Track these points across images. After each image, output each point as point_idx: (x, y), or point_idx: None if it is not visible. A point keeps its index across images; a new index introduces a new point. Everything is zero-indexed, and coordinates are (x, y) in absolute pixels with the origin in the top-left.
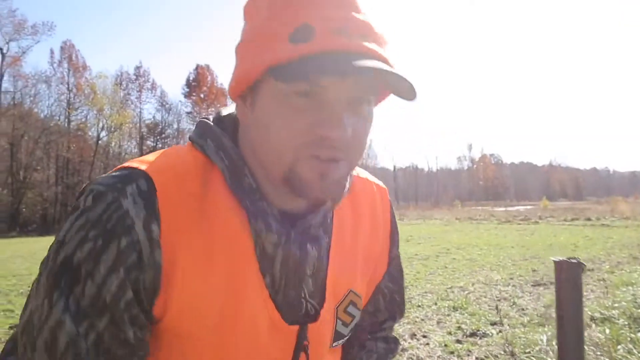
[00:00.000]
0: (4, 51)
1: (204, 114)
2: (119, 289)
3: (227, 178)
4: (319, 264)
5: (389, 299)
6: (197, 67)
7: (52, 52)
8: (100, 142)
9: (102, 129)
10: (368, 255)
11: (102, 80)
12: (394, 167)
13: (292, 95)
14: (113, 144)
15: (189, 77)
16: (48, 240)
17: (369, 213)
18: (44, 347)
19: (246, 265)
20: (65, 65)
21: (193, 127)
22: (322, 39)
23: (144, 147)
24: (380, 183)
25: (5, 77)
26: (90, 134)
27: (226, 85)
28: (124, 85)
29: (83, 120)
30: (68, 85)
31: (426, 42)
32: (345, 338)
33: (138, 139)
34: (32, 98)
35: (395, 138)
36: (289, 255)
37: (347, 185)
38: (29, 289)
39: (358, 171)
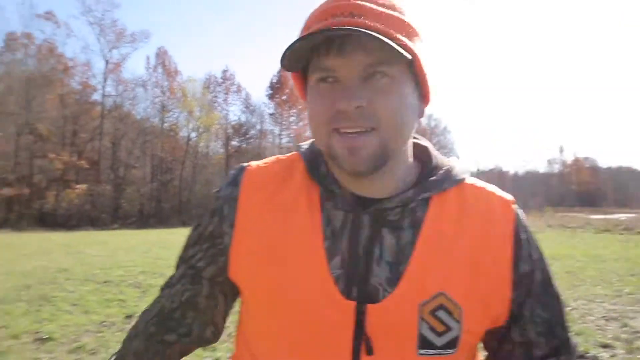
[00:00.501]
0: (107, 58)
1: (285, 115)
2: (210, 231)
3: (307, 166)
4: (399, 252)
5: (543, 330)
6: (280, 69)
7: (147, 58)
8: (190, 142)
9: (192, 130)
10: (474, 266)
11: (192, 84)
12: (477, 169)
13: (316, 84)
14: (202, 144)
15: (272, 79)
16: (145, 233)
17: (480, 222)
18: None
19: (309, 239)
20: (160, 70)
21: (275, 128)
22: (308, 27)
23: (229, 147)
24: (505, 195)
25: (108, 82)
26: (181, 134)
27: None
28: (212, 88)
29: (175, 121)
30: (162, 88)
31: (511, 38)
32: (443, 352)
33: (224, 140)
34: (130, 101)
35: (478, 139)
36: (357, 235)
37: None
38: (137, 280)
39: (476, 181)
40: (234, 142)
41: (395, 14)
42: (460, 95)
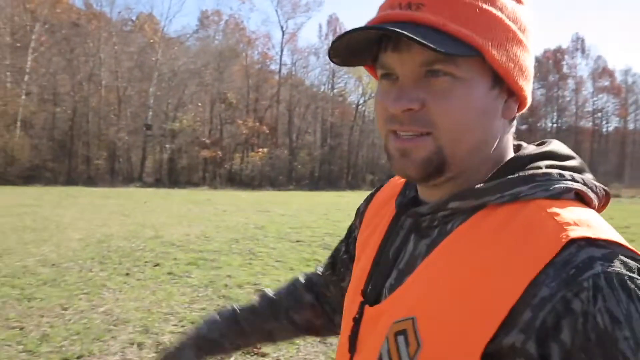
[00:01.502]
0: (284, 29)
1: None
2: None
3: None
4: (411, 262)
5: None
6: None
7: (320, 26)
8: (358, 107)
9: (361, 95)
10: (467, 303)
11: None
12: None
13: (380, 80)
14: (370, 109)
15: None
16: (318, 195)
17: (505, 253)
18: None
19: (374, 238)
20: (331, 37)
21: None
22: (369, 22)
23: None
24: (576, 232)
25: (285, 52)
26: (350, 99)
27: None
28: None
29: (344, 87)
30: None
31: None
32: None
33: None
34: (303, 69)
35: None
36: (395, 237)
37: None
38: (324, 242)
39: (556, 207)
40: None
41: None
42: None
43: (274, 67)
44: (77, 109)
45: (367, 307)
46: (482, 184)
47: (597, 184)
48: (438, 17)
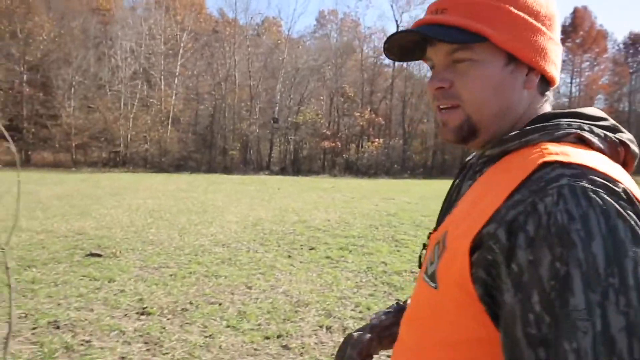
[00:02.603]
0: (398, 22)
1: (577, 61)
2: None
3: None
4: (460, 198)
5: (509, 344)
6: (575, 10)
7: None
8: None
9: None
10: (471, 215)
11: None
12: None
13: (429, 71)
14: None
15: (564, 21)
16: (434, 183)
17: (500, 177)
18: None
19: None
20: None
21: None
22: (412, 24)
23: None
24: (552, 157)
25: None
26: None
27: (607, 27)
28: None
29: None
30: None
31: None
32: (430, 282)
33: None
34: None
35: None
36: (455, 183)
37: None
38: None
39: (556, 145)
40: None
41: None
42: None
43: (388, 60)
44: (216, 106)
45: (431, 234)
46: (508, 136)
47: (610, 134)
48: (455, 18)
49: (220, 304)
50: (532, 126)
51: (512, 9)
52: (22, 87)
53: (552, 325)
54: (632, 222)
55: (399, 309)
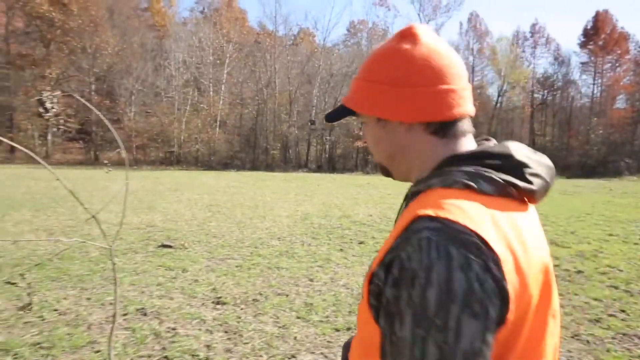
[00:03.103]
0: None
1: (599, 62)
2: None
3: None
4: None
5: (380, 347)
6: (597, 13)
7: (460, 24)
8: (499, 98)
9: (500, 86)
10: (380, 252)
11: (501, 42)
12: None
13: None
14: (514, 99)
15: (586, 25)
16: None
17: (398, 221)
18: None
19: None
20: (471, 34)
21: (587, 77)
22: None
23: (534, 100)
24: (425, 211)
25: None
26: (489, 91)
27: (629, 29)
28: (520, 44)
29: (482, 80)
30: (472, 50)
31: None
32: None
33: (529, 93)
34: None
35: None
36: (400, 209)
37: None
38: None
39: (441, 192)
40: (536, 95)
41: (357, 76)
42: None
43: None
44: (259, 109)
45: None
46: (422, 177)
47: (503, 177)
48: (347, 100)
49: (287, 295)
50: (434, 171)
51: (366, 83)
52: (90, 96)
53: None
54: (472, 274)
55: None
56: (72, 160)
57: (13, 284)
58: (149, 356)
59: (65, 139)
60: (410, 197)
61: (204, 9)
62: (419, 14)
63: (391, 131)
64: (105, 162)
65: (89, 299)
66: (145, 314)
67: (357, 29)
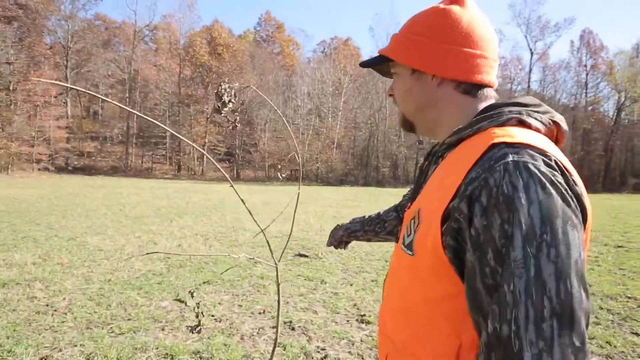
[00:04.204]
0: (532, 50)
1: None
2: None
3: None
4: (426, 181)
5: (470, 299)
6: None
7: (572, 42)
8: (619, 112)
9: (617, 101)
10: (440, 196)
11: (621, 56)
12: None
13: None
14: (630, 114)
15: None
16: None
17: (460, 158)
18: None
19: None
20: (584, 50)
21: None
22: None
23: None
24: (500, 139)
25: (534, 70)
26: (606, 106)
27: None
28: None
29: (597, 95)
30: (586, 67)
31: None
32: (407, 251)
33: None
34: (552, 84)
35: None
36: (422, 167)
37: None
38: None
39: (503, 130)
40: None
41: (398, 32)
42: None
43: (523, 86)
44: (371, 132)
45: (405, 212)
46: (462, 125)
47: (545, 117)
48: (384, 50)
49: None
50: (481, 116)
51: (412, 36)
52: (235, 125)
53: (502, 274)
54: (562, 188)
55: (363, 221)
56: (221, 177)
57: (182, 302)
58: None
59: (217, 160)
60: (446, 149)
61: (324, 48)
62: (525, 36)
63: (424, 83)
64: (281, 175)
65: (240, 305)
66: (293, 328)
67: None
